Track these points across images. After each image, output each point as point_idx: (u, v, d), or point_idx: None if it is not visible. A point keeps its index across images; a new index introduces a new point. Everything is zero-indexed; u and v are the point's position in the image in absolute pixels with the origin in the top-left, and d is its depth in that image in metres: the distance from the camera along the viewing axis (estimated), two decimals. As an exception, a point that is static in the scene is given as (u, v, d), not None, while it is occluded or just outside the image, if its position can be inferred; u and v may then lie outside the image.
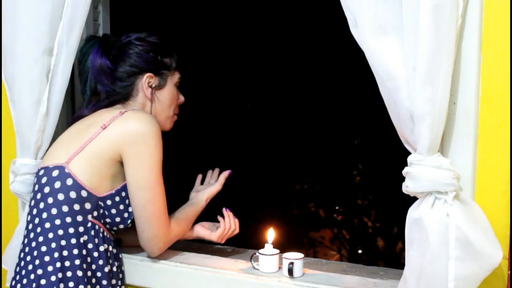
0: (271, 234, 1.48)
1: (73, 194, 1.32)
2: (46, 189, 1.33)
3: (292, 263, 1.37)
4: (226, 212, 1.54)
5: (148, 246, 1.41)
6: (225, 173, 1.60)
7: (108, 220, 1.38)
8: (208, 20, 3.85)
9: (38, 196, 1.35)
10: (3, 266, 1.58)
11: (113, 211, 1.37)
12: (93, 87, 1.45)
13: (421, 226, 1.10)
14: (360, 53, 1.16)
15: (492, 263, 1.09)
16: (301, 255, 1.40)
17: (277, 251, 1.44)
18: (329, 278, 1.37)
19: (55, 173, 1.33)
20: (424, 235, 1.09)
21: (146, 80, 1.44)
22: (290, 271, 1.37)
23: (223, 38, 3.97)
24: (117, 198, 1.36)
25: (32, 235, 1.34)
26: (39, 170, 1.39)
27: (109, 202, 1.36)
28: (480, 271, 1.09)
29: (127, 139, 1.32)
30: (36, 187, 1.37)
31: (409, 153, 1.14)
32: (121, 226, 1.39)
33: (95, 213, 1.34)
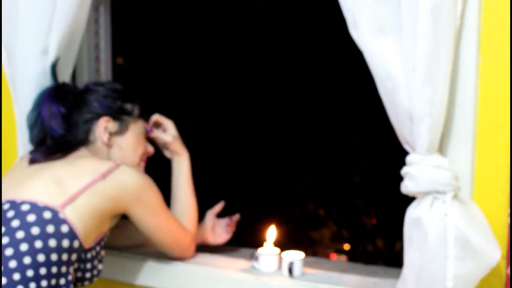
0: (271, 233, 1.48)
1: (66, 243, 1.16)
2: (35, 230, 1.14)
3: (292, 262, 1.37)
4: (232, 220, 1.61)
5: (182, 257, 1.47)
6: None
7: (79, 274, 1.25)
8: (208, 20, 3.86)
9: (20, 235, 1.13)
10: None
11: (88, 265, 1.25)
12: (41, 136, 1.36)
13: (420, 225, 1.10)
14: (359, 54, 1.16)
15: (491, 262, 1.10)
16: (301, 254, 1.41)
17: (277, 250, 1.44)
18: (329, 277, 1.38)
19: (47, 214, 1.16)
20: (423, 234, 1.10)
21: (102, 125, 1.35)
22: (290, 270, 1.38)
23: (223, 38, 3.98)
24: (93, 252, 1.26)
25: (4, 281, 1.10)
26: (18, 204, 1.18)
27: (89, 255, 1.24)
28: (478, 270, 1.10)
29: (133, 197, 1.27)
30: (16, 223, 1.15)
31: (408, 153, 1.15)
32: (86, 283, 1.28)
33: (76, 265, 1.22)
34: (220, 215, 1.62)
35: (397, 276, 1.23)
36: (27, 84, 1.44)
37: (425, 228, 1.09)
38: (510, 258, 1.13)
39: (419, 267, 1.12)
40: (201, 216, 1.59)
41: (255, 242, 1.59)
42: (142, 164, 1.45)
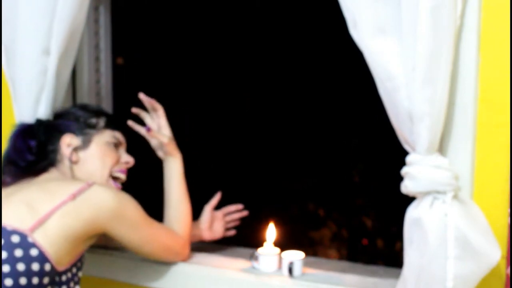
0: (270, 231, 1.48)
1: (35, 266, 1.14)
2: (2, 255, 1.13)
3: (292, 262, 1.37)
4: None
5: (175, 262, 1.46)
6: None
7: None
8: (208, 20, 3.86)
9: None
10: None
11: None
12: (7, 168, 1.37)
13: (420, 225, 1.11)
14: (359, 54, 1.16)
15: (491, 262, 1.10)
16: (301, 254, 1.41)
17: (277, 250, 1.44)
18: (329, 277, 1.38)
19: (15, 238, 1.14)
20: (423, 234, 1.10)
21: (65, 141, 1.37)
22: (290, 270, 1.38)
23: (223, 38, 3.98)
24: (69, 274, 1.23)
25: None
26: None
27: (64, 278, 1.21)
28: (478, 270, 1.10)
29: (111, 216, 1.24)
30: None
31: (408, 153, 1.15)
32: None
33: None
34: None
35: (397, 276, 1.23)
36: (27, 84, 1.44)
37: (425, 228, 1.09)
38: (510, 258, 1.13)
39: (419, 267, 1.12)
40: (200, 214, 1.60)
41: (255, 242, 1.60)
42: (120, 174, 1.43)
